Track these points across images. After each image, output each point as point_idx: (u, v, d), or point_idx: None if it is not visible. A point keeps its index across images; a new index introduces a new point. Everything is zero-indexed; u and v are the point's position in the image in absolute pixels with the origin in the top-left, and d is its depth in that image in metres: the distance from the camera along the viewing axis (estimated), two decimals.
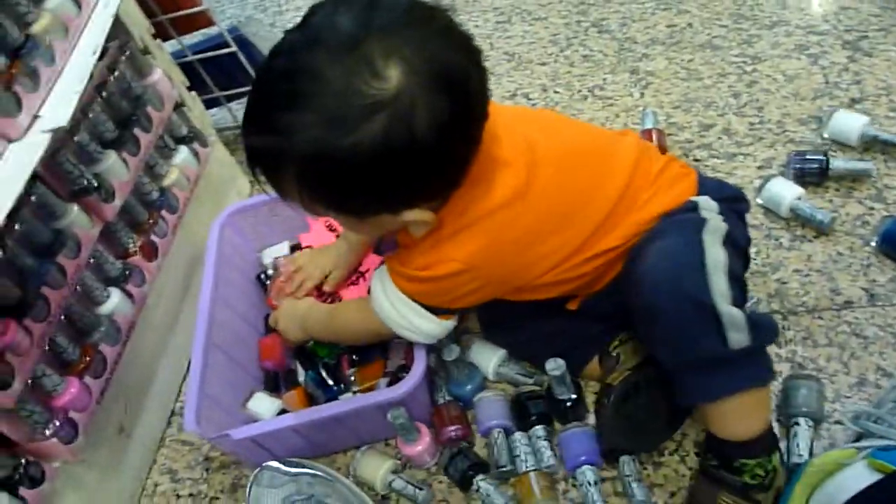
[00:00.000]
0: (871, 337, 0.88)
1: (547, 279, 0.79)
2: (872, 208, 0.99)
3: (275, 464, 0.91)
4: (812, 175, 1.00)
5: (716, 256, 0.69)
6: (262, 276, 1.12)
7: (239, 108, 1.52)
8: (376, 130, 0.60)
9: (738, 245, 0.73)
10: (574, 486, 0.84)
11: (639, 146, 0.81)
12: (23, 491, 0.82)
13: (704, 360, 0.69)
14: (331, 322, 0.94)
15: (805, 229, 0.99)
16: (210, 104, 1.46)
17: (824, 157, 1.00)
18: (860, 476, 0.65)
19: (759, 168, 1.08)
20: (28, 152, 0.85)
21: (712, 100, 1.20)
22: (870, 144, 1.06)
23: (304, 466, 0.91)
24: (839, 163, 1.00)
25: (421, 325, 0.81)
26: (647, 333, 0.75)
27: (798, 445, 0.77)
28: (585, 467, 0.83)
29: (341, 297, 1.02)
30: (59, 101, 0.91)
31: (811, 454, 0.76)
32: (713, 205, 0.75)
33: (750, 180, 1.06)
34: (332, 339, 0.97)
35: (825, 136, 1.09)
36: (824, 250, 0.96)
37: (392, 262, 0.81)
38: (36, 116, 0.89)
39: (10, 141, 0.86)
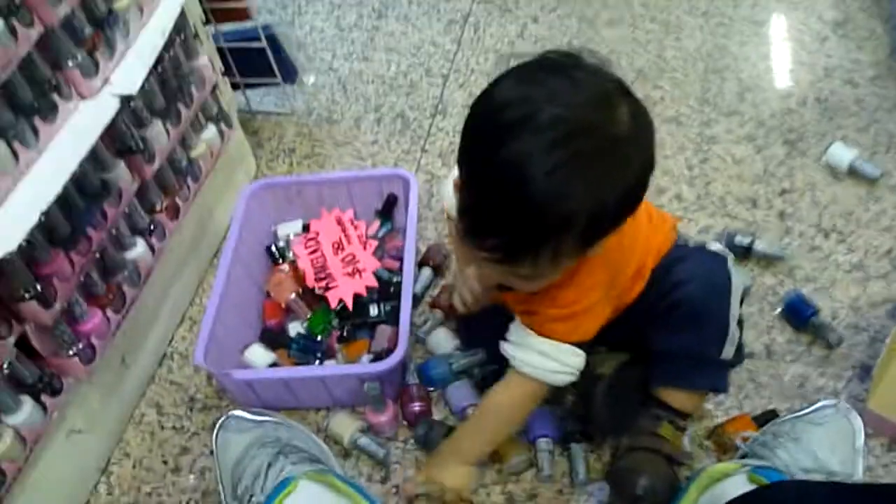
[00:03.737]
0: (763, 384, 1.08)
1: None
2: (783, 282, 1.20)
3: (239, 412, 1.02)
4: (740, 251, 1.21)
5: (737, 283, 0.91)
6: (273, 247, 1.27)
7: (252, 94, 1.67)
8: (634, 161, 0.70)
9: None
10: None
11: None
12: (44, 398, 0.95)
13: (700, 359, 0.92)
14: (482, 429, 0.94)
15: None
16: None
17: (751, 239, 1.21)
18: (740, 485, 0.83)
19: (699, 233, 1.28)
20: (99, 111, 1.00)
21: (670, 168, 1.40)
22: (853, 172, 1.33)
23: (265, 415, 1.03)
24: (761, 246, 1.21)
25: (575, 361, 0.86)
26: (671, 327, 0.90)
27: None
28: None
29: (337, 282, 1.17)
30: (128, 71, 1.05)
31: None
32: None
33: None
34: (491, 446, 0.95)
35: (822, 160, 1.36)
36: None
37: (536, 316, 0.85)
38: (106, 81, 1.03)
39: (83, 98, 1.00)
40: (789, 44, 1.66)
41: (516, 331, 0.88)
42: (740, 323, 0.94)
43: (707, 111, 1.52)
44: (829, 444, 0.90)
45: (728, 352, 0.92)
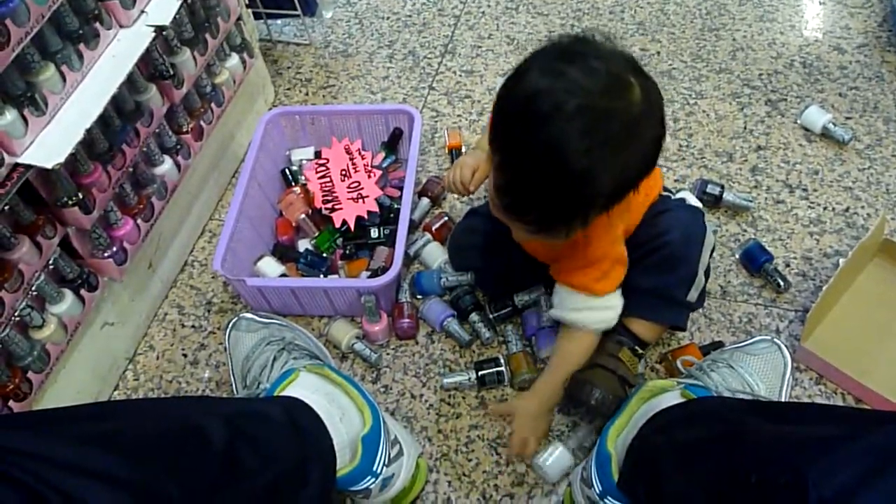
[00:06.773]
0: (715, 320, 1.21)
1: None
2: (745, 231, 1.32)
3: (250, 315, 1.16)
4: (710, 199, 1.33)
5: (710, 239, 1.07)
6: (287, 170, 1.39)
7: (271, 23, 1.77)
8: (648, 138, 0.81)
9: None
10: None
11: None
12: (83, 293, 1.10)
13: (668, 298, 1.06)
14: (561, 379, 1.07)
15: None
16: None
17: (721, 189, 1.33)
18: (673, 399, 0.98)
19: (676, 181, 1.39)
20: (136, 39, 1.11)
21: None
22: (826, 134, 1.44)
23: (272, 318, 1.17)
24: (730, 196, 1.33)
25: (620, 301, 1.04)
26: (648, 267, 1.04)
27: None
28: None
29: (342, 205, 1.30)
30: (162, 3, 1.16)
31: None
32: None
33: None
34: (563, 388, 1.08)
35: (798, 121, 1.46)
36: None
37: (591, 282, 1.01)
38: (142, 12, 1.14)
39: (121, 27, 1.12)
40: (786, 6, 1.74)
41: (568, 298, 1.04)
42: (707, 272, 1.09)
43: (699, 67, 1.61)
44: (760, 373, 1.03)
45: (693, 295, 1.07)
